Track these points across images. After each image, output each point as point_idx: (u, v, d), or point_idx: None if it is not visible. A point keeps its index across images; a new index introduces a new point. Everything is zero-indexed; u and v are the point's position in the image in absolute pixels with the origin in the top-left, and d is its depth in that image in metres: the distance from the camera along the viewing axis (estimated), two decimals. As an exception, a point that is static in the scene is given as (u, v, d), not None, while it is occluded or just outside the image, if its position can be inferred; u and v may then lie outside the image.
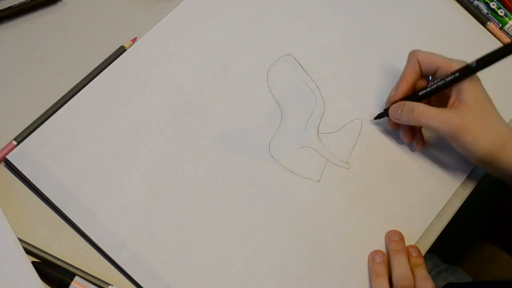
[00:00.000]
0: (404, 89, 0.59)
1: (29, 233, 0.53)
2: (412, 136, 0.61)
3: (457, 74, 0.56)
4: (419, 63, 0.58)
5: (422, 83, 0.60)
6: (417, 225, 0.60)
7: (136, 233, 0.54)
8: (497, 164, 0.56)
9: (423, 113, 0.56)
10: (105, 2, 0.62)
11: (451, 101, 0.57)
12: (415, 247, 0.59)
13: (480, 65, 0.55)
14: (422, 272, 0.56)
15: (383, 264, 0.57)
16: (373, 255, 0.58)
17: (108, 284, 0.52)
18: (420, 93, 0.58)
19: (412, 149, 0.63)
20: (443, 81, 0.56)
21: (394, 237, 0.58)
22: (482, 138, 0.55)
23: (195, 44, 0.62)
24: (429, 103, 0.60)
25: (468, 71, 0.55)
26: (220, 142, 0.59)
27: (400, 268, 0.56)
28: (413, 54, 0.59)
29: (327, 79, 0.63)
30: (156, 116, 0.58)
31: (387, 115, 0.60)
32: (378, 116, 0.62)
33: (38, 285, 0.49)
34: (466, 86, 0.56)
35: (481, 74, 0.68)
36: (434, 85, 0.57)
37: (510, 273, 0.86)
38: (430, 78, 0.60)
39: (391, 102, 0.60)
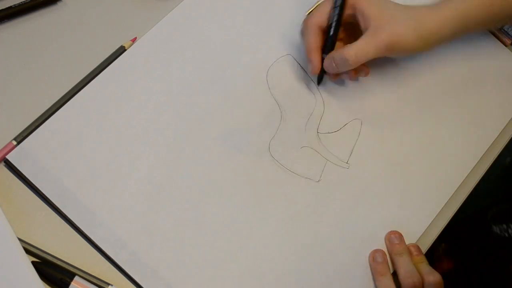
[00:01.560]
0: (319, 58, 0.60)
1: (29, 233, 0.53)
2: (355, 71, 0.61)
3: None
4: (320, 28, 0.59)
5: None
6: (417, 225, 0.60)
7: (136, 233, 0.54)
8: (429, 41, 0.59)
9: (356, 55, 0.57)
10: (105, 2, 0.62)
11: (362, 25, 0.58)
12: (415, 245, 0.59)
13: None
14: (426, 268, 0.57)
15: (385, 262, 0.57)
16: (373, 254, 0.58)
17: (108, 284, 0.52)
18: (331, 34, 0.59)
19: (411, 149, 0.63)
20: (336, 9, 0.57)
21: (395, 240, 0.58)
22: (407, 35, 0.57)
23: (195, 44, 0.62)
24: (342, 42, 0.62)
25: None
26: (220, 142, 0.59)
27: (405, 266, 0.56)
28: (309, 23, 0.59)
29: (327, 79, 0.63)
30: (156, 116, 0.58)
31: (325, 72, 0.61)
32: (319, 79, 0.62)
33: (38, 285, 0.49)
34: (363, 4, 0.57)
35: (478, 74, 0.68)
36: (335, 16, 0.58)
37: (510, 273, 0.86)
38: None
39: (316, 72, 0.61)
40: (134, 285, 0.53)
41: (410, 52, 0.59)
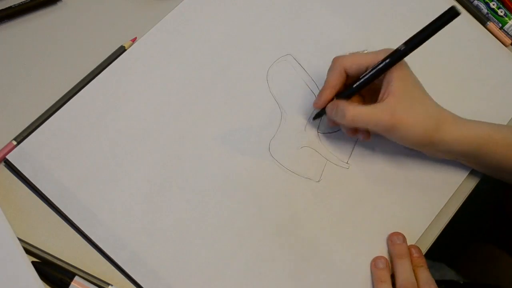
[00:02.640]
0: (327, 98, 0.58)
1: (29, 233, 0.53)
2: (355, 130, 0.59)
3: (387, 60, 0.55)
4: (345, 71, 0.57)
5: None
6: (417, 225, 0.60)
7: (136, 233, 0.54)
8: (433, 147, 0.58)
9: (354, 117, 0.55)
10: (105, 2, 0.62)
11: (381, 94, 0.56)
12: (416, 247, 0.59)
13: (409, 46, 0.54)
14: (424, 274, 0.57)
15: (386, 269, 0.57)
16: (375, 260, 0.58)
17: (108, 284, 0.52)
18: (354, 86, 0.57)
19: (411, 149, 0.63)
20: (374, 70, 0.55)
21: (397, 240, 0.58)
22: (414, 128, 0.55)
23: (195, 44, 0.62)
24: (361, 95, 0.60)
25: (398, 55, 0.54)
26: (220, 142, 0.59)
27: (404, 273, 0.56)
28: (337, 62, 0.57)
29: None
30: (156, 115, 0.58)
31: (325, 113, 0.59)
32: (317, 116, 0.61)
33: (38, 285, 0.49)
34: (394, 76, 0.55)
35: (478, 74, 0.68)
36: (366, 75, 0.56)
37: (510, 273, 0.86)
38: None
39: (318, 107, 0.59)
40: (134, 285, 0.53)
41: (410, 146, 0.58)
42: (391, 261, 0.58)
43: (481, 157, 0.59)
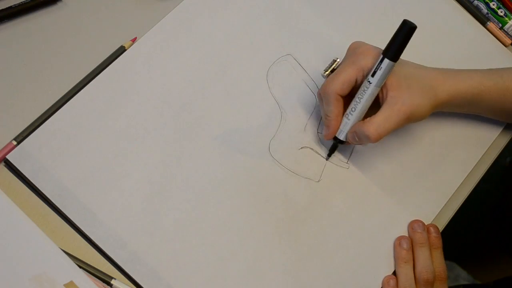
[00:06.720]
0: (335, 128, 0.58)
1: (29, 233, 0.53)
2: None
3: (373, 77, 0.55)
4: (340, 95, 0.56)
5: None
6: (417, 225, 0.61)
7: (136, 233, 0.54)
8: (439, 109, 0.60)
9: (377, 133, 0.55)
10: (105, 2, 0.62)
11: (379, 94, 0.56)
12: (435, 226, 0.60)
13: (388, 55, 0.54)
14: (438, 260, 0.58)
15: (410, 250, 0.58)
16: (400, 240, 0.59)
17: (112, 278, 0.52)
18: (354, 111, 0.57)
19: (411, 149, 0.63)
20: (376, 87, 0.55)
21: (418, 228, 0.59)
22: (422, 105, 0.56)
23: (195, 44, 0.62)
24: None
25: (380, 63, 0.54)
26: (220, 142, 0.59)
27: (424, 260, 0.58)
28: (328, 92, 0.56)
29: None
30: (156, 116, 0.58)
31: (341, 142, 0.59)
32: (332, 149, 0.60)
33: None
34: None
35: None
36: (367, 92, 0.55)
37: (510, 274, 0.86)
38: None
39: (330, 138, 0.59)
40: (134, 285, 0.53)
41: (423, 119, 0.58)
42: (412, 247, 0.59)
43: (476, 104, 0.61)
